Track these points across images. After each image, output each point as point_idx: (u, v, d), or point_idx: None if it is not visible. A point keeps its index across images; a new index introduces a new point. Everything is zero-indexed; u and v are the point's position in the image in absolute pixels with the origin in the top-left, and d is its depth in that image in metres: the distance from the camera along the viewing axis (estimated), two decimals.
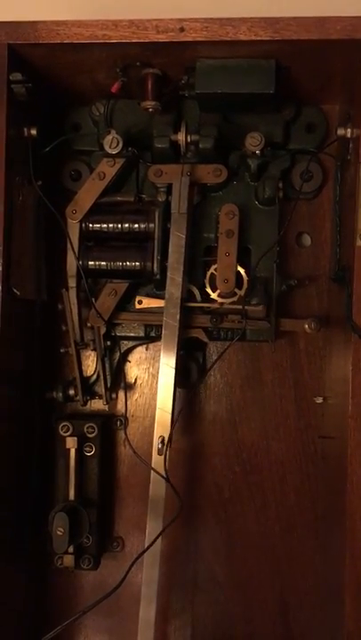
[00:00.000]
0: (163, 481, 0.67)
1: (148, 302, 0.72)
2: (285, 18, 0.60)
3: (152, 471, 0.67)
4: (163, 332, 0.68)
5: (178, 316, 0.68)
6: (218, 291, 0.71)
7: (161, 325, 0.73)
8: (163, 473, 0.67)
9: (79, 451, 0.72)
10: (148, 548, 0.65)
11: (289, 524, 0.77)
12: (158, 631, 0.77)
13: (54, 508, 0.70)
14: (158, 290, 0.73)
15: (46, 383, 0.75)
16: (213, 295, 0.71)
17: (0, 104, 0.62)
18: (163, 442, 0.67)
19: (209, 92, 0.65)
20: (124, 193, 0.73)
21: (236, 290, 0.71)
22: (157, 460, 0.67)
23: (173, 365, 0.68)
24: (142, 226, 0.71)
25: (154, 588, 0.67)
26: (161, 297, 0.71)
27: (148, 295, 0.73)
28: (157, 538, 0.66)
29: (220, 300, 0.71)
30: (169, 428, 0.68)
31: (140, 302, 0.73)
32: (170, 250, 0.68)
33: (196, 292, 0.72)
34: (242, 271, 0.71)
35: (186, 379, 0.76)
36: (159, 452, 0.67)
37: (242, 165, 0.72)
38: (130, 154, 0.70)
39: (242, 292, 0.71)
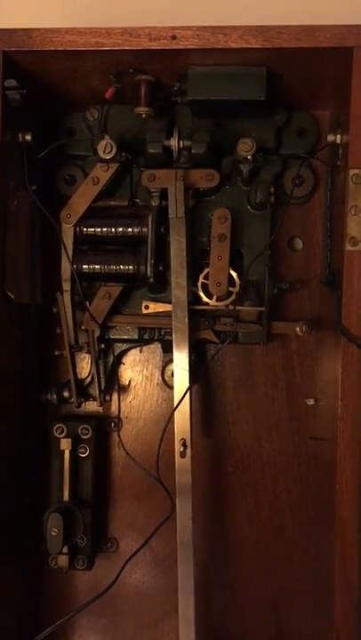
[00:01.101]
0: (188, 470, 0.67)
1: (154, 307, 0.73)
2: (276, 26, 0.61)
3: (176, 461, 0.67)
4: (173, 335, 0.69)
5: (186, 319, 0.69)
6: (211, 294, 0.72)
7: (154, 328, 0.74)
8: (190, 476, 0.67)
9: (73, 452, 0.73)
10: (140, 548, 0.66)
11: (281, 525, 0.78)
12: (153, 631, 0.78)
13: (49, 509, 0.71)
14: (152, 293, 0.74)
15: (41, 385, 0.76)
16: (205, 298, 0.72)
17: None
18: (184, 444, 0.68)
19: (201, 99, 0.66)
20: (117, 197, 0.74)
21: (231, 289, 0.71)
22: (181, 463, 0.68)
23: (187, 367, 0.68)
24: (136, 230, 0.71)
25: (190, 583, 0.67)
26: (156, 300, 0.72)
27: (142, 298, 0.74)
28: (150, 537, 0.67)
29: (212, 303, 0.72)
30: (189, 431, 0.68)
31: (146, 307, 0.73)
32: (172, 254, 0.69)
33: (201, 293, 0.72)
34: (234, 274, 0.72)
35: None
36: (181, 455, 0.68)
37: (234, 170, 0.73)
38: (123, 159, 0.71)
39: (234, 296, 0.71)
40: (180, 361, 0.69)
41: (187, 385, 0.68)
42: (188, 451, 0.68)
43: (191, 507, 0.67)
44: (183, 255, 0.69)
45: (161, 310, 0.73)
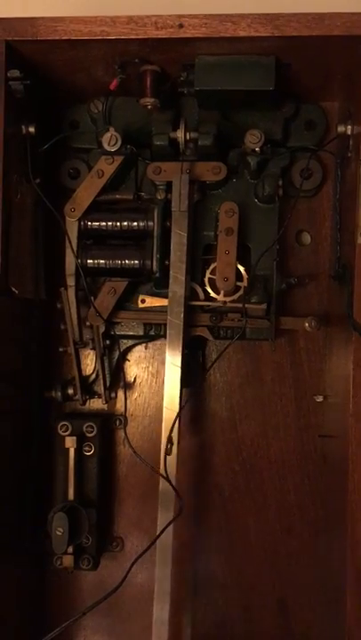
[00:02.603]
0: (173, 468, 0.66)
1: (151, 301, 0.72)
2: (285, 14, 0.59)
3: (160, 466, 0.66)
4: (167, 331, 0.68)
5: (182, 315, 0.68)
6: (218, 289, 0.70)
7: (160, 324, 0.73)
8: (174, 473, 0.66)
9: (78, 450, 0.72)
10: (148, 548, 0.65)
11: (289, 523, 0.77)
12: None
13: (53, 508, 0.70)
14: (158, 288, 0.73)
15: (45, 382, 0.75)
16: (213, 293, 0.71)
17: None
18: (171, 441, 0.67)
19: (208, 89, 0.64)
20: (122, 191, 0.73)
21: (239, 283, 0.70)
22: (167, 461, 0.67)
23: (179, 364, 0.67)
24: (141, 224, 0.70)
25: (167, 586, 0.66)
26: (162, 295, 0.71)
27: (148, 293, 0.73)
28: (157, 538, 0.66)
29: (219, 298, 0.71)
30: (176, 428, 0.67)
31: (143, 301, 0.72)
32: (172, 248, 0.68)
33: (200, 290, 0.71)
34: (242, 269, 0.70)
35: (186, 377, 0.76)
36: (168, 452, 0.67)
37: (241, 163, 0.71)
38: (128, 151, 0.70)
39: (242, 291, 0.70)
40: (173, 358, 0.67)
41: (178, 382, 0.67)
42: (175, 448, 0.67)
43: (172, 507, 0.66)
44: (184, 250, 0.68)
45: (157, 304, 0.71)
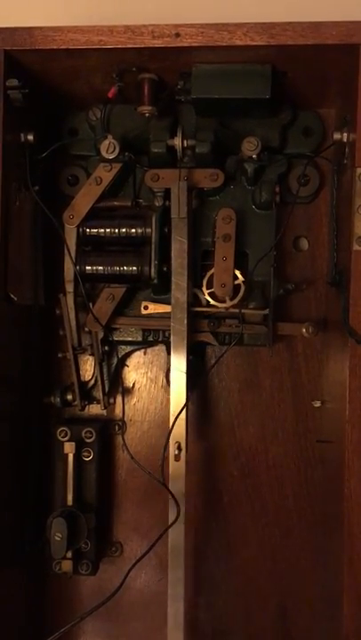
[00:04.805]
0: (182, 474, 0.67)
1: (154, 308, 0.72)
2: (281, 23, 0.60)
3: (170, 465, 0.67)
4: (171, 337, 0.68)
5: (185, 321, 0.68)
6: (216, 295, 0.71)
7: (158, 330, 0.73)
8: (183, 479, 0.66)
9: (77, 456, 0.72)
10: (147, 552, 0.65)
11: (287, 528, 0.77)
12: (159, 635, 0.77)
13: (52, 514, 0.70)
14: (156, 294, 0.73)
15: (44, 388, 0.75)
16: (211, 300, 0.71)
17: None
18: (179, 447, 0.67)
19: (205, 98, 0.65)
20: (121, 198, 0.73)
21: (236, 285, 0.70)
22: (175, 467, 0.67)
23: (184, 370, 0.68)
24: (139, 230, 0.71)
25: (181, 588, 0.67)
26: (160, 301, 0.71)
27: (147, 299, 0.73)
28: (156, 542, 0.66)
29: (219, 305, 0.71)
30: (184, 434, 0.68)
31: (145, 308, 0.73)
32: (172, 255, 0.68)
33: (202, 296, 0.72)
34: (239, 275, 0.71)
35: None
36: (176, 459, 0.67)
37: (239, 170, 0.72)
38: (127, 159, 0.70)
39: (239, 297, 0.71)
40: (178, 363, 0.68)
41: (184, 387, 0.68)
42: (183, 454, 0.67)
43: (184, 511, 0.66)
44: (184, 256, 0.68)
45: (161, 311, 0.72)
